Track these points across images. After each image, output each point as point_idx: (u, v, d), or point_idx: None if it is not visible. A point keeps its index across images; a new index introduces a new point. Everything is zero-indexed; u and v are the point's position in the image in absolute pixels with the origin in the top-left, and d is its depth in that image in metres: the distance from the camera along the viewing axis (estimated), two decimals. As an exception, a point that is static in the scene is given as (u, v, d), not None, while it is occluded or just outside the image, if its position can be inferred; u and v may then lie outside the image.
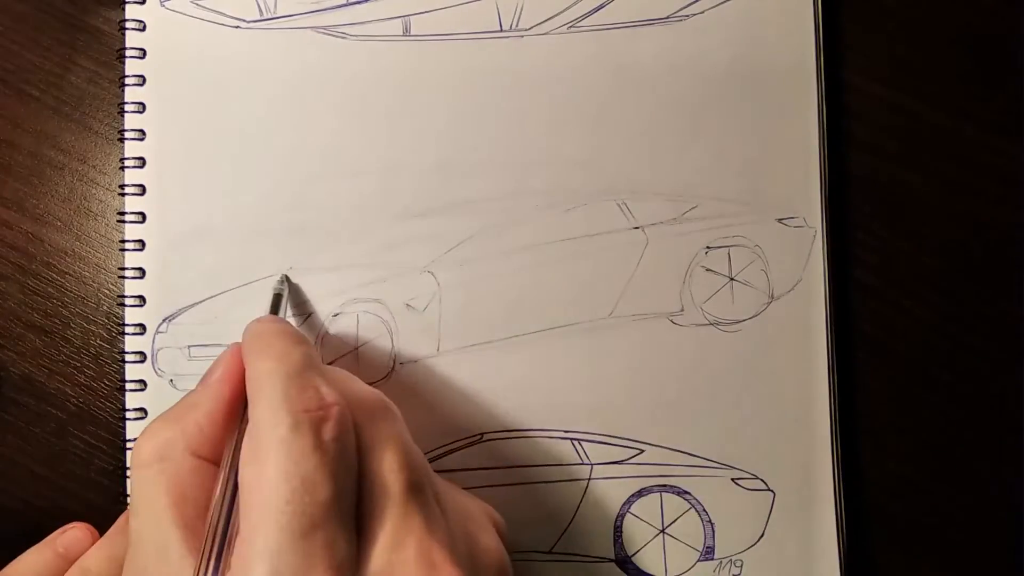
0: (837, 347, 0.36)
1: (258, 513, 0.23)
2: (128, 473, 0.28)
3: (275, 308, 0.34)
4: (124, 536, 0.34)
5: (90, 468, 0.37)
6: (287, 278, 0.35)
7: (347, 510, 0.24)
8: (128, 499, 0.27)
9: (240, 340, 0.29)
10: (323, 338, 0.36)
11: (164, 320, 0.36)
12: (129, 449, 0.35)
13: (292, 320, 0.36)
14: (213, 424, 0.27)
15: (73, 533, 0.35)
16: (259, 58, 0.36)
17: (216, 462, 0.27)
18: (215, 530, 0.25)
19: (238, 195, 0.36)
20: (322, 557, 0.23)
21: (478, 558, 0.27)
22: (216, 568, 0.24)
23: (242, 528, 0.24)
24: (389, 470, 0.26)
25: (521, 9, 0.37)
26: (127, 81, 0.36)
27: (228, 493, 0.26)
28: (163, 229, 0.36)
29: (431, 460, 0.35)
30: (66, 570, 0.33)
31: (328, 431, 0.24)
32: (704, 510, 0.36)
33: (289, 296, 0.35)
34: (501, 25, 0.37)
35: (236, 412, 0.28)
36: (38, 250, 0.37)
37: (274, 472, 0.23)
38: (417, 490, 0.26)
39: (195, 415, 0.28)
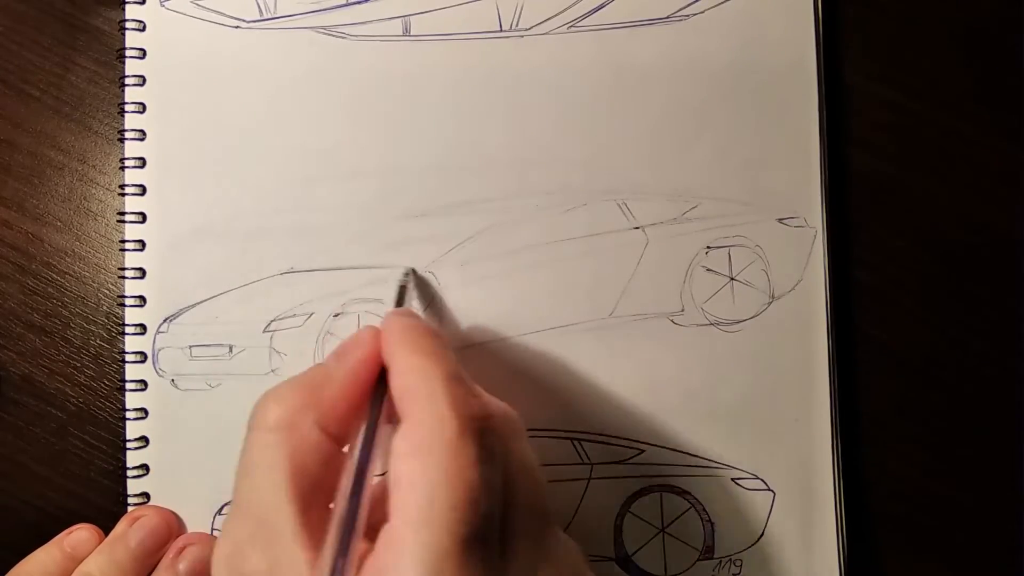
0: (837, 347, 0.36)
1: (416, 513, 0.22)
2: (248, 431, 0.26)
3: (400, 301, 0.33)
4: (124, 541, 0.34)
5: (90, 468, 0.37)
6: (413, 271, 0.35)
7: (499, 528, 0.23)
8: (241, 459, 0.26)
9: (343, 335, 0.30)
10: (324, 338, 0.36)
11: (165, 320, 0.36)
12: (129, 449, 0.35)
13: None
14: (346, 402, 0.26)
15: (80, 533, 0.35)
16: (259, 58, 0.36)
17: (338, 441, 0.26)
18: (344, 518, 0.23)
19: (238, 195, 0.36)
20: (478, 569, 0.22)
21: None
22: (343, 567, 0.23)
23: (394, 521, 0.23)
24: (528, 492, 0.25)
25: (521, 9, 0.37)
26: (127, 81, 0.36)
27: (357, 481, 0.24)
28: (163, 229, 0.36)
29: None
30: (73, 569, 0.33)
31: (491, 442, 0.24)
32: (704, 510, 0.36)
33: (416, 290, 0.34)
34: (501, 25, 0.37)
35: (367, 397, 0.27)
36: (38, 250, 0.37)
37: (440, 475, 0.22)
38: (549, 517, 0.26)
39: (330, 389, 0.26)
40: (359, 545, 0.23)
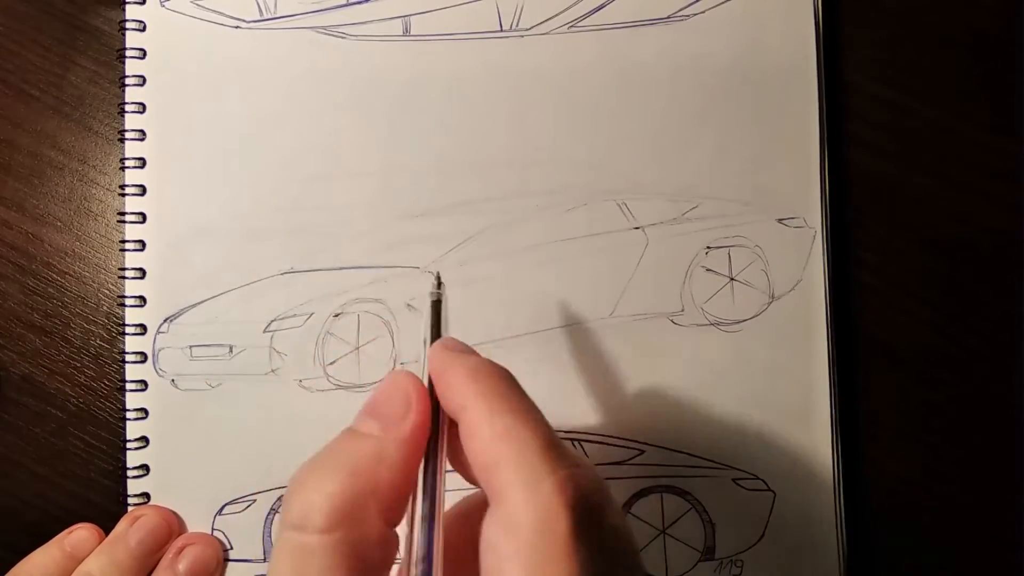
0: (837, 347, 0.36)
1: None
2: (284, 531, 0.21)
3: (437, 319, 0.27)
4: (124, 541, 0.34)
5: (90, 468, 0.37)
6: (439, 276, 0.28)
7: None
8: (277, 563, 0.21)
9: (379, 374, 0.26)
10: (323, 338, 0.36)
11: (165, 320, 0.36)
12: (129, 449, 0.35)
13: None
14: (406, 484, 0.22)
15: (80, 533, 0.35)
16: (259, 58, 0.36)
17: (393, 525, 0.22)
18: None
19: (238, 195, 0.36)
20: None
21: None
22: None
23: None
24: (625, 554, 0.22)
25: (521, 9, 0.37)
26: (127, 81, 0.36)
27: (428, 543, 0.21)
28: (163, 229, 0.36)
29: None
30: (73, 569, 0.33)
31: (584, 510, 0.20)
32: (704, 510, 0.36)
33: (446, 305, 0.28)
34: (501, 25, 0.37)
35: (421, 459, 0.23)
36: (38, 250, 0.37)
37: (535, 556, 0.19)
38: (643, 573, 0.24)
39: (387, 471, 0.21)
40: None
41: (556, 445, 0.21)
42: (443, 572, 0.21)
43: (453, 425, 0.23)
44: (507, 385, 0.23)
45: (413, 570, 0.20)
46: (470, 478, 0.24)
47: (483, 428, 0.21)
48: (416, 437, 0.22)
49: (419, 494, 0.22)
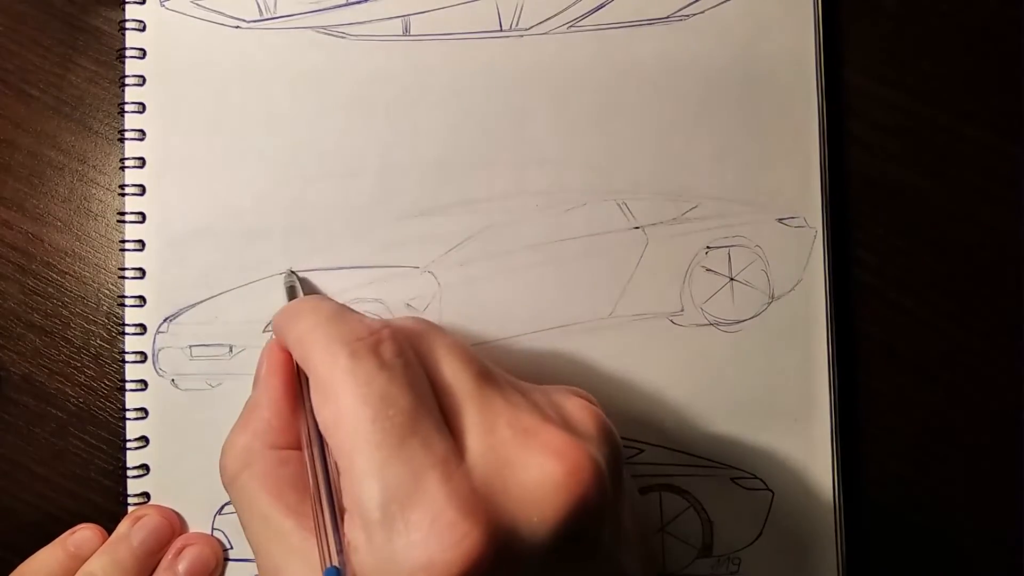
0: (837, 347, 0.36)
1: (350, 442, 0.23)
2: (225, 490, 0.28)
3: (292, 298, 0.34)
4: (127, 541, 0.34)
5: (90, 468, 0.37)
6: (292, 271, 0.35)
7: (432, 414, 0.24)
8: (237, 514, 0.28)
9: (269, 338, 0.30)
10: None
11: (165, 320, 0.36)
12: (129, 449, 0.35)
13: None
14: (280, 415, 0.28)
15: (83, 533, 0.35)
16: (259, 58, 0.36)
17: (297, 448, 0.28)
18: (320, 506, 0.25)
19: (238, 195, 0.36)
20: (425, 458, 0.23)
21: (571, 418, 0.27)
22: (336, 535, 0.24)
23: (340, 463, 0.24)
24: (455, 370, 0.26)
25: (521, 9, 0.37)
26: (127, 81, 0.36)
27: (318, 459, 0.26)
28: (163, 229, 0.36)
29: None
30: (76, 569, 0.34)
31: (387, 350, 0.25)
32: (703, 509, 0.36)
33: (300, 286, 0.35)
34: (501, 25, 0.37)
35: (295, 397, 0.28)
36: (38, 250, 0.37)
37: (350, 400, 0.23)
38: (486, 377, 0.26)
39: (259, 413, 0.28)
40: (336, 524, 0.24)
41: (341, 314, 0.27)
42: (336, 494, 0.25)
43: None
44: (296, 304, 0.29)
45: (312, 483, 0.26)
46: None
47: (291, 343, 0.27)
48: (270, 381, 0.29)
49: (304, 426, 0.27)
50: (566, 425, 0.26)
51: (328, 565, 0.23)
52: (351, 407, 0.23)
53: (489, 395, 0.25)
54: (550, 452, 0.24)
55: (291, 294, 0.34)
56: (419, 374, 0.25)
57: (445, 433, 0.24)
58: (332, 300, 0.29)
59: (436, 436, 0.23)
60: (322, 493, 0.25)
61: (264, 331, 0.36)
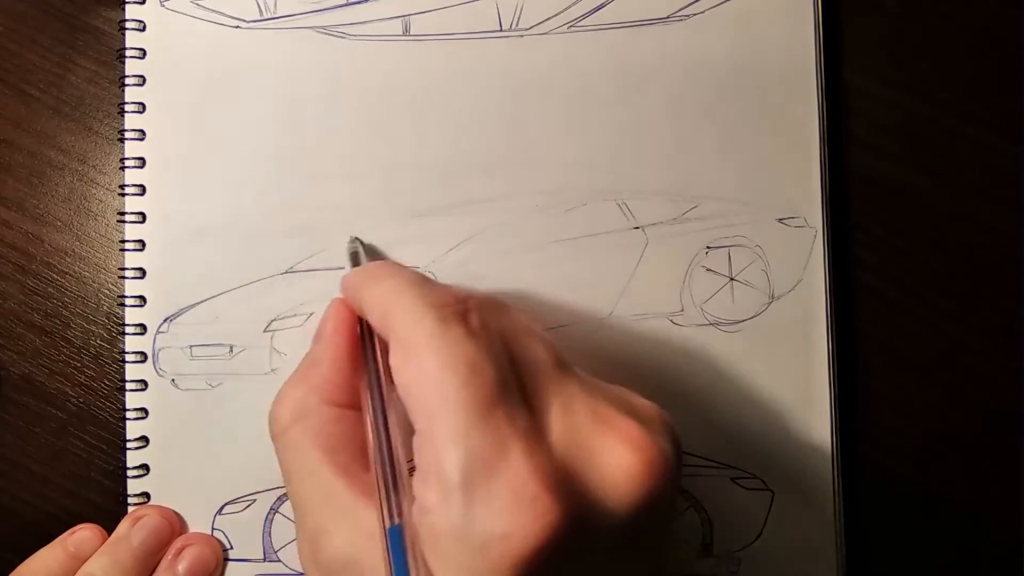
0: (837, 347, 0.36)
1: (434, 405, 0.23)
2: (273, 442, 0.28)
3: (357, 263, 0.34)
4: (127, 541, 0.34)
5: (90, 468, 0.37)
6: (357, 238, 0.35)
7: (514, 389, 0.24)
8: (281, 468, 0.28)
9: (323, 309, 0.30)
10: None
11: (165, 320, 0.36)
12: (129, 449, 0.35)
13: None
14: (340, 372, 0.28)
15: (83, 533, 0.35)
16: (259, 58, 0.36)
17: (353, 407, 0.28)
18: (384, 464, 0.25)
19: (238, 195, 0.36)
20: (509, 429, 0.23)
21: (640, 412, 0.26)
22: (398, 501, 0.24)
23: (418, 425, 0.23)
24: (536, 350, 0.26)
25: (521, 9, 0.37)
26: (127, 81, 0.36)
27: (381, 423, 0.26)
28: (163, 229, 0.36)
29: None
30: (76, 569, 0.34)
31: (474, 320, 0.25)
32: (703, 508, 0.36)
33: (365, 252, 0.35)
34: (501, 25, 0.37)
35: (358, 357, 0.28)
36: (38, 250, 0.37)
37: (437, 363, 0.23)
38: (564, 362, 0.26)
39: (320, 369, 0.28)
40: (406, 481, 0.24)
41: (426, 281, 0.26)
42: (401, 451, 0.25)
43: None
44: (377, 267, 0.29)
45: (373, 448, 0.26)
46: None
47: (368, 304, 0.27)
48: (336, 339, 0.28)
49: (365, 390, 0.27)
50: (639, 418, 0.26)
51: (390, 524, 0.23)
52: (438, 370, 0.23)
53: (567, 379, 0.25)
54: (627, 442, 0.24)
55: (355, 260, 0.34)
56: (502, 348, 0.25)
57: (527, 409, 0.24)
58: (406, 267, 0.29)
59: (520, 409, 0.23)
60: (385, 453, 0.25)
61: (265, 331, 0.36)
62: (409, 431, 0.24)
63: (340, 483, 0.25)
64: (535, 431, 0.23)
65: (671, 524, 0.27)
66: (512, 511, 0.22)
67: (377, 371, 0.27)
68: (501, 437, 0.22)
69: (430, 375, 0.23)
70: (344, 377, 0.28)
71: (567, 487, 0.23)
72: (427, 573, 0.23)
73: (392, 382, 0.25)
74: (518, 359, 0.25)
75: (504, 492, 0.22)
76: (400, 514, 0.23)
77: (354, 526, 0.24)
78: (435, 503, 0.22)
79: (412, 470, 0.24)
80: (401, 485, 0.24)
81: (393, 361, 0.25)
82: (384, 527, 0.23)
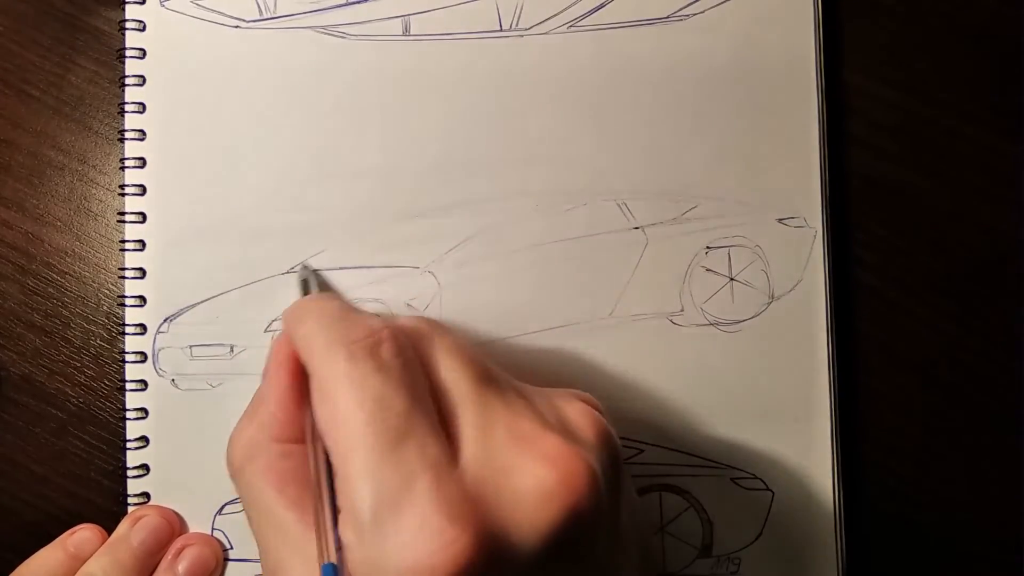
0: (837, 347, 0.36)
1: (344, 444, 0.23)
2: (232, 480, 0.29)
3: (306, 291, 0.34)
4: (127, 541, 0.34)
5: (90, 468, 0.37)
6: (307, 266, 0.36)
7: (428, 417, 0.24)
8: (243, 506, 0.28)
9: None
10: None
11: (165, 320, 0.36)
12: (129, 449, 0.35)
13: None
14: (285, 409, 0.28)
15: (83, 533, 0.35)
16: (259, 58, 0.36)
17: (300, 442, 0.28)
18: (320, 495, 0.25)
19: (238, 195, 0.36)
20: (418, 462, 0.23)
21: (571, 423, 0.26)
22: (335, 532, 0.24)
23: (335, 464, 0.24)
24: (453, 371, 0.26)
25: (521, 9, 0.37)
26: (127, 81, 0.36)
27: (320, 457, 0.26)
28: (163, 229, 0.36)
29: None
30: (76, 569, 0.34)
31: (385, 351, 0.25)
32: (703, 509, 0.36)
33: (315, 281, 0.35)
34: (501, 25, 0.37)
35: (302, 392, 0.28)
36: (38, 250, 0.37)
37: (345, 401, 0.24)
38: (487, 380, 0.26)
39: (268, 407, 0.28)
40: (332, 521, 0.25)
41: (344, 314, 0.27)
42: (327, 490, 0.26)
43: None
44: (303, 305, 0.29)
45: (313, 479, 0.26)
46: None
47: (297, 343, 0.27)
48: (277, 375, 0.28)
49: (308, 423, 0.27)
50: (565, 431, 0.26)
51: (325, 561, 0.24)
52: (346, 409, 0.24)
53: (488, 398, 0.26)
54: (545, 459, 0.24)
55: (304, 289, 0.34)
56: (417, 375, 0.25)
57: (440, 436, 0.24)
58: (339, 299, 0.29)
59: (431, 439, 0.24)
60: (323, 490, 0.25)
61: (265, 331, 0.36)
62: None
63: (290, 517, 0.26)
64: (447, 459, 0.23)
65: (617, 531, 0.26)
66: (418, 543, 0.22)
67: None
68: (408, 471, 0.23)
69: (340, 414, 0.24)
70: (289, 413, 0.28)
71: (477, 513, 0.23)
72: None
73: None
74: (437, 384, 0.25)
75: (410, 526, 0.22)
76: (340, 549, 0.24)
77: (307, 560, 0.25)
78: (352, 541, 0.23)
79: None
80: (326, 524, 0.25)
81: (313, 400, 0.25)
82: (319, 564, 0.24)
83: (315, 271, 0.36)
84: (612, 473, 0.26)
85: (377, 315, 0.28)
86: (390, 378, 0.24)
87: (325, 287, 0.36)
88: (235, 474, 0.28)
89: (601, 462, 0.25)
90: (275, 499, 0.26)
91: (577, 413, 0.27)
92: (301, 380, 0.28)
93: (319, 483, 0.26)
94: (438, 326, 0.28)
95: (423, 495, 0.22)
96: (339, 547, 0.24)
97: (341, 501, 0.24)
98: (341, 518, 0.24)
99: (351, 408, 0.23)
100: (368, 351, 0.25)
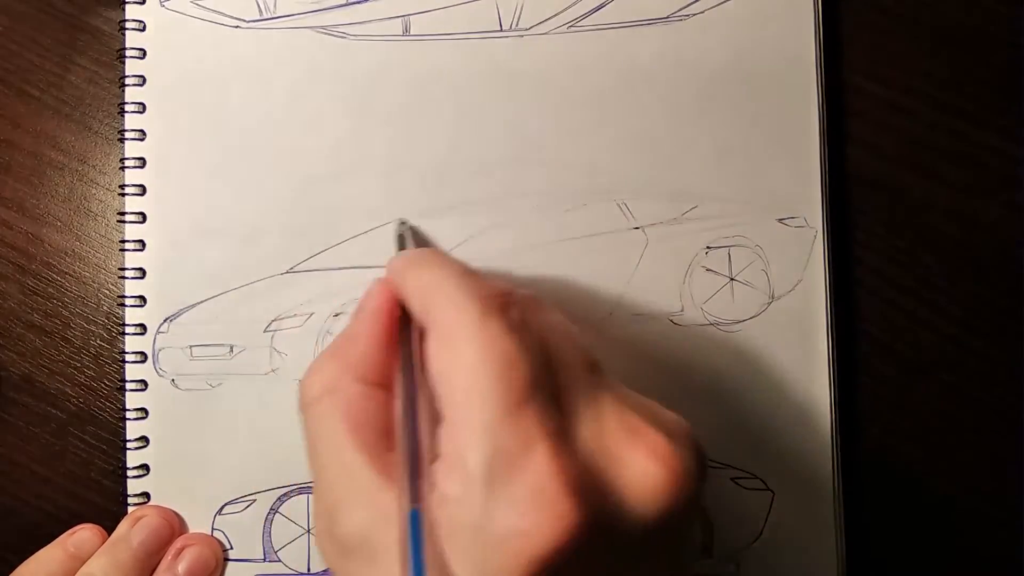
0: (837, 347, 0.36)
1: (464, 396, 0.23)
2: (301, 411, 0.27)
3: (402, 246, 0.34)
4: (126, 542, 0.34)
5: (90, 468, 0.37)
6: (404, 221, 0.35)
7: (547, 388, 0.24)
8: (306, 439, 0.27)
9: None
10: (323, 338, 0.36)
11: (165, 320, 0.36)
12: (129, 449, 0.35)
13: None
14: (377, 351, 0.27)
15: (83, 533, 0.35)
16: (259, 58, 0.36)
17: (383, 388, 0.27)
18: (409, 448, 0.24)
19: (238, 195, 0.36)
20: (537, 428, 0.22)
21: (667, 425, 0.26)
22: (419, 486, 0.23)
23: (448, 413, 0.23)
24: (571, 352, 0.25)
25: (521, 9, 0.37)
26: (127, 81, 0.36)
27: (411, 410, 0.25)
28: (163, 229, 0.36)
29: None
30: (76, 569, 0.34)
31: (515, 314, 0.24)
32: (703, 509, 0.36)
33: (411, 237, 0.35)
34: (501, 25, 0.37)
35: (394, 339, 0.28)
36: (38, 250, 0.37)
37: (474, 355, 0.23)
38: (594, 366, 0.26)
39: (356, 345, 0.27)
40: (427, 467, 0.24)
41: (471, 273, 0.26)
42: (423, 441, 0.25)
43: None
44: (425, 254, 0.28)
45: (399, 429, 0.25)
46: None
47: (411, 289, 0.27)
48: (377, 318, 0.27)
49: (400, 369, 0.27)
50: (666, 431, 0.25)
51: (411, 507, 0.23)
52: (474, 361, 0.23)
53: (599, 384, 0.25)
54: (654, 455, 0.24)
55: (401, 243, 0.34)
56: (539, 346, 0.25)
57: (557, 409, 0.24)
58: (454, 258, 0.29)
59: (550, 410, 0.23)
60: (411, 437, 0.25)
61: (265, 331, 0.36)
62: (436, 419, 0.25)
63: (363, 460, 0.25)
64: (563, 433, 0.23)
65: (689, 533, 0.27)
66: (531, 510, 0.22)
67: (411, 355, 0.27)
68: (528, 435, 0.22)
69: (465, 366, 0.23)
70: (379, 357, 0.27)
71: (588, 492, 0.22)
72: (441, 561, 0.22)
73: (424, 368, 0.25)
74: (553, 359, 0.25)
75: (525, 490, 0.22)
76: (420, 499, 0.23)
77: (372, 505, 0.24)
78: (456, 494, 0.22)
79: (435, 458, 0.24)
80: (423, 471, 0.24)
81: (430, 348, 0.25)
82: (404, 510, 0.23)
83: (412, 227, 0.35)
84: (702, 480, 0.26)
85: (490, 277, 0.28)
86: (519, 341, 0.24)
87: (423, 243, 0.36)
88: (309, 404, 0.27)
89: (698, 468, 0.25)
90: (348, 437, 0.25)
91: (673, 418, 0.27)
92: (396, 326, 0.28)
93: (408, 429, 0.25)
94: (551, 304, 0.28)
95: (542, 462, 0.22)
96: (419, 497, 0.23)
97: (447, 450, 0.23)
98: (442, 468, 0.23)
99: (480, 362, 0.23)
100: (500, 310, 0.24)
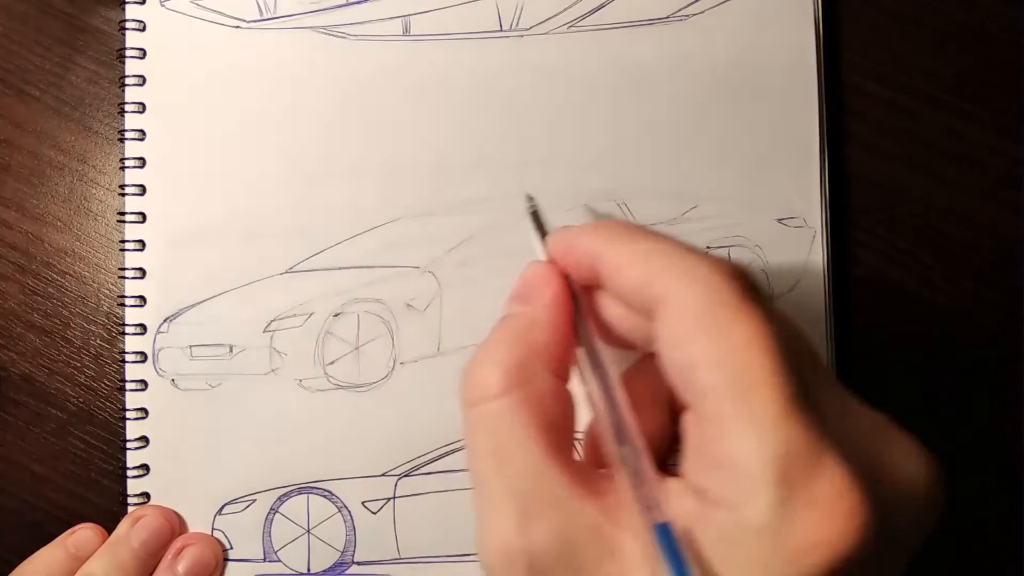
0: (837, 347, 0.36)
1: (736, 385, 0.20)
2: (469, 410, 0.23)
3: (540, 224, 0.31)
4: (127, 542, 0.34)
5: (90, 468, 0.37)
6: (531, 196, 0.32)
7: (804, 379, 0.21)
8: (471, 439, 0.23)
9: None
10: (324, 338, 0.36)
11: (165, 320, 0.36)
12: (129, 449, 0.35)
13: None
14: (561, 339, 0.24)
15: (83, 533, 0.35)
16: (259, 58, 0.36)
17: (563, 380, 0.24)
18: (633, 452, 0.22)
19: (238, 195, 0.36)
20: (817, 427, 0.20)
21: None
22: (652, 492, 0.21)
23: (704, 409, 0.21)
24: (801, 337, 0.23)
25: (521, 9, 0.37)
26: (127, 81, 0.36)
27: (620, 407, 0.22)
28: (163, 229, 0.36)
29: (431, 460, 0.35)
30: (76, 569, 0.34)
31: (763, 291, 0.21)
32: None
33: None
34: (501, 25, 0.37)
35: (573, 324, 0.24)
36: (38, 250, 0.37)
37: (746, 339, 0.20)
38: (820, 357, 0.24)
39: (537, 332, 0.24)
40: (651, 471, 0.22)
41: (691, 246, 0.22)
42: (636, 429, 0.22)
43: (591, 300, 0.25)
44: (624, 226, 0.24)
45: (613, 435, 0.22)
46: (616, 344, 0.25)
47: (621, 260, 0.23)
48: (559, 301, 0.24)
49: (584, 362, 0.24)
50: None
51: (656, 519, 0.20)
52: (748, 347, 0.20)
53: (828, 375, 0.23)
54: (913, 456, 0.23)
55: (537, 220, 0.30)
56: (790, 331, 0.22)
57: (812, 407, 0.21)
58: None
59: (812, 408, 0.20)
60: (634, 439, 0.22)
61: (264, 331, 0.36)
62: (641, 411, 0.23)
63: (552, 466, 0.22)
64: (842, 432, 0.21)
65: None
66: (831, 518, 0.19)
67: (596, 345, 0.24)
68: (815, 433, 0.20)
69: (736, 352, 0.20)
70: (563, 346, 0.24)
71: (874, 493, 0.20)
72: (705, 569, 0.20)
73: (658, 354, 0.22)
74: (796, 347, 0.22)
75: (825, 496, 0.19)
76: (653, 507, 0.21)
77: (567, 517, 0.21)
78: (734, 497, 0.20)
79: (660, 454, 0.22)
80: (645, 474, 0.21)
81: (675, 332, 0.21)
82: (647, 522, 0.21)
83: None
84: None
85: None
86: (779, 325, 0.21)
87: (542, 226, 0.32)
88: (486, 400, 0.23)
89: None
90: (537, 440, 0.22)
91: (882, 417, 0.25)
92: (573, 311, 0.25)
93: (624, 430, 0.22)
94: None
95: (834, 465, 0.20)
96: (654, 504, 0.21)
97: (703, 448, 0.21)
98: (698, 468, 0.21)
99: (755, 348, 0.20)
100: (754, 289, 0.21)
